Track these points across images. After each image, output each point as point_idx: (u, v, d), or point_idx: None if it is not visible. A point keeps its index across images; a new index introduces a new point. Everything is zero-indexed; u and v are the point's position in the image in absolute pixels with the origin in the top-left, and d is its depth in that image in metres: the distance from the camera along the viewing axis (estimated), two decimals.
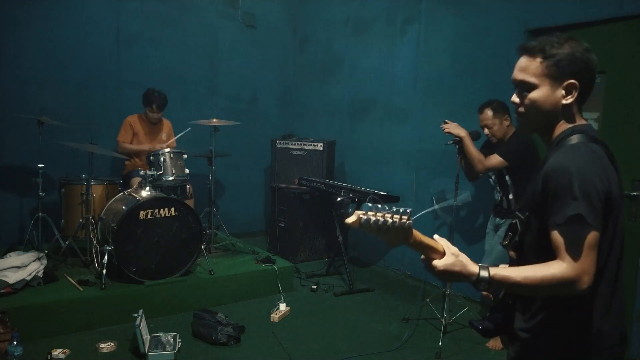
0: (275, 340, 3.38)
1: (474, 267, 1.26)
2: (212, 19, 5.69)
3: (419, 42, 4.64)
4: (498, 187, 3.38)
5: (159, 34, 5.33)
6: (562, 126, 1.37)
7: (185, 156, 4.28)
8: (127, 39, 5.14)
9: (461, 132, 3.37)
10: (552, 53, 1.32)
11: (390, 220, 1.17)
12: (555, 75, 1.33)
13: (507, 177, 3.28)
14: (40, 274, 3.52)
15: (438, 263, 1.27)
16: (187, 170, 4.27)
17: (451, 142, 3.43)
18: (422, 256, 1.30)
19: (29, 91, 4.62)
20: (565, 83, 1.33)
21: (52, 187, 4.48)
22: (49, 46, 4.70)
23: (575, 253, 1.19)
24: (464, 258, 1.28)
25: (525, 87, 1.36)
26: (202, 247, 4.03)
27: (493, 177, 3.41)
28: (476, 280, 1.25)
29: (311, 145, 5.26)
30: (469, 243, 4.08)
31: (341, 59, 5.64)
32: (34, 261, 3.55)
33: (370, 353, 3.24)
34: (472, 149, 3.31)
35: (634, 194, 3.15)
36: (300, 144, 5.31)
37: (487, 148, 3.44)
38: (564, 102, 1.34)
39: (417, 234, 1.25)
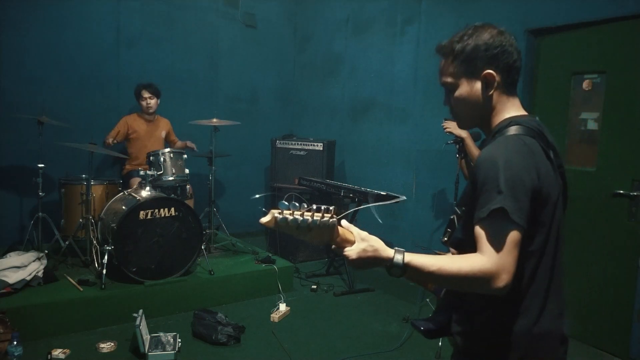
0: (275, 340, 3.38)
1: (388, 251, 1.18)
2: (212, 19, 5.69)
3: (419, 42, 4.64)
4: None
5: (159, 34, 5.33)
6: (498, 117, 1.32)
7: (185, 156, 4.29)
8: (127, 39, 5.13)
9: (462, 132, 3.36)
10: (458, 51, 1.30)
11: (310, 219, 1.11)
12: (467, 72, 1.30)
13: None
14: (40, 274, 3.52)
15: (350, 252, 1.18)
16: (187, 170, 4.28)
17: (452, 141, 3.44)
18: (333, 245, 1.22)
19: (29, 91, 4.61)
20: (481, 75, 1.29)
21: (52, 187, 4.47)
22: (49, 46, 4.70)
23: (495, 248, 1.10)
24: (374, 242, 1.19)
25: (448, 88, 1.36)
26: (202, 247, 4.02)
27: None
28: (390, 265, 1.16)
29: (311, 145, 5.26)
30: None
31: (341, 59, 5.64)
32: (34, 261, 3.55)
33: (370, 353, 3.24)
34: (474, 150, 3.31)
35: (634, 194, 3.15)
36: (300, 144, 5.31)
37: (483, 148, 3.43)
38: (486, 93, 1.31)
39: (342, 231, 1.19)
